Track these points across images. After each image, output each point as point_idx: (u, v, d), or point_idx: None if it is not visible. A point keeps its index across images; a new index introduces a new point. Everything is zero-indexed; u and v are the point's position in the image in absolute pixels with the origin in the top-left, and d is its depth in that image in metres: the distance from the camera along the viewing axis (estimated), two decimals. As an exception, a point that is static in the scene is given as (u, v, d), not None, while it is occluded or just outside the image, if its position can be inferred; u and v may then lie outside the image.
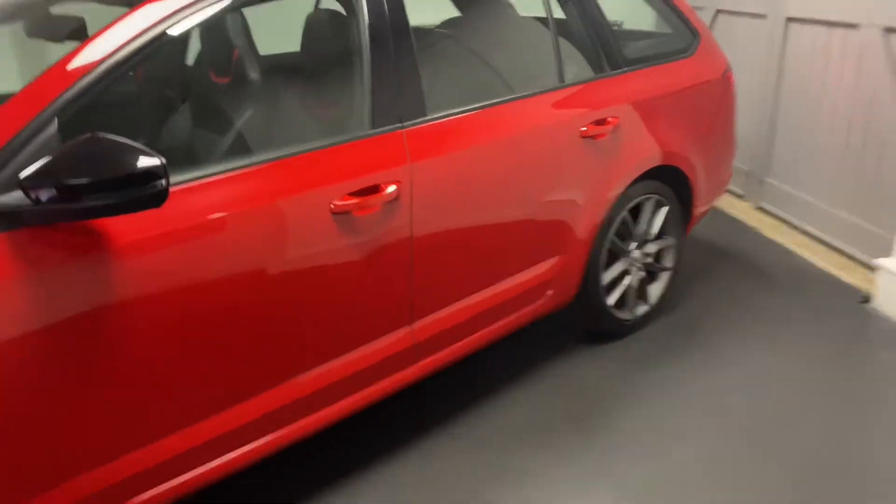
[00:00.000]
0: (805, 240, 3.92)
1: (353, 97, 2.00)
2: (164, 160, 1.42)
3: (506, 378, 2.69)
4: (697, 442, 2.34)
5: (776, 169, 4.28)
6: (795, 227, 4.06)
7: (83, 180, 1.38)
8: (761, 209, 4.40)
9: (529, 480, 2.19)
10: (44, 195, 1.40)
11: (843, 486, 2.14)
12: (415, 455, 2.29)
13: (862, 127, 3.56)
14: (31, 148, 1.47)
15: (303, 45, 2.27)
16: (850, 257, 3.65)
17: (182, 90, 2.09)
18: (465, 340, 2.34)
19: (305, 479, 2.19)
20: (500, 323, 2.44)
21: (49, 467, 1.55)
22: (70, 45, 2.12)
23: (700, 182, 3.03)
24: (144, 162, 1.41)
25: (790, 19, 4.03)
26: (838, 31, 3.67)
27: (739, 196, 4.60)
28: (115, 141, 1.42)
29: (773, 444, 2.32)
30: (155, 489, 1.70)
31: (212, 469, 1.80)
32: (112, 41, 1.60)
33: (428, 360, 2.24)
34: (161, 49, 1.64)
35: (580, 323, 2.93)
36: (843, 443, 2.33)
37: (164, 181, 1.43)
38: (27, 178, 1.40)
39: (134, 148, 1.41)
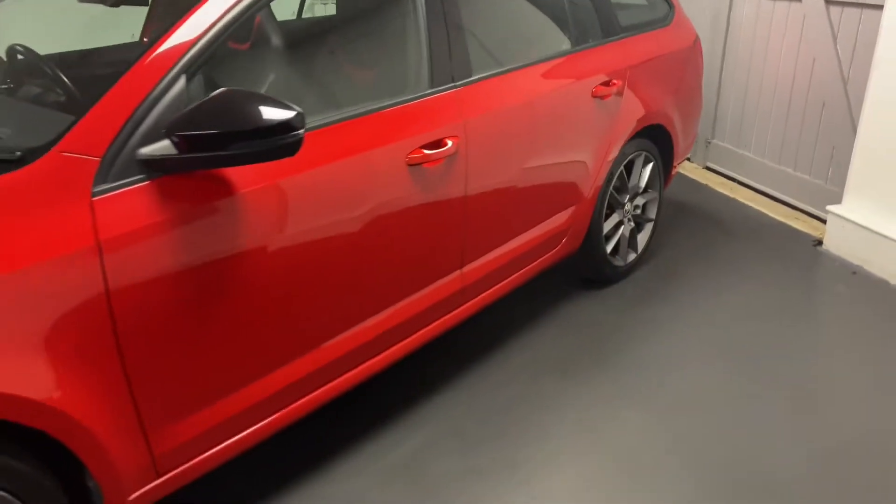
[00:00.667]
0: (753, 195, 4.33)
1: (414, 59, 2.16)
2: (301, 111, 1.56)
3: (523, 323, 2.93)
4: (694, 369, 2.66)
5: (721, 130, 4.68)
6: (742, 184, 4.48)
7: (225, 130, 1.51)
8: (708, 168, 4.80)
9: (561, 403, 2.44)
10: (187, 145, 1.52)
11: (803, 387, 2.51)
12: (459, 392, 2.50)
13: (804, 88, 3.97)
14: (165, 102, 1.57)
15: (370, 13, 2.38)
16: (796, 209, 4.08)
17: (283, 47, 2.18)
18: (502, 283, 2.56)
19: (378, 409, 2.37)
20: (528, 267, 2.68)
21: (213, 383, 1.70)
22: (125, 10, 2.19)
23: (679, 140, 3.35)
24: (283, 114, 1.54)
25: (736, -8, 4.41)
26: (782, 4, 4.06)
27: (686, 158, 4.98)
28: (252, 94, 1.55)
29: (751, 367, 2.67)
30: (295, 403, 1.92)
31: (327, 389, 2.00)
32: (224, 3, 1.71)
33: (472, 301, 2.45)
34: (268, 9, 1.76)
35: (582, 271, 3.20)
36: (808, 355, 2.71)
37: (301, 131, 1.56)
38: (173, 128, 1.51)
39: (271, 100, 1.54)
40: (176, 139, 1.52)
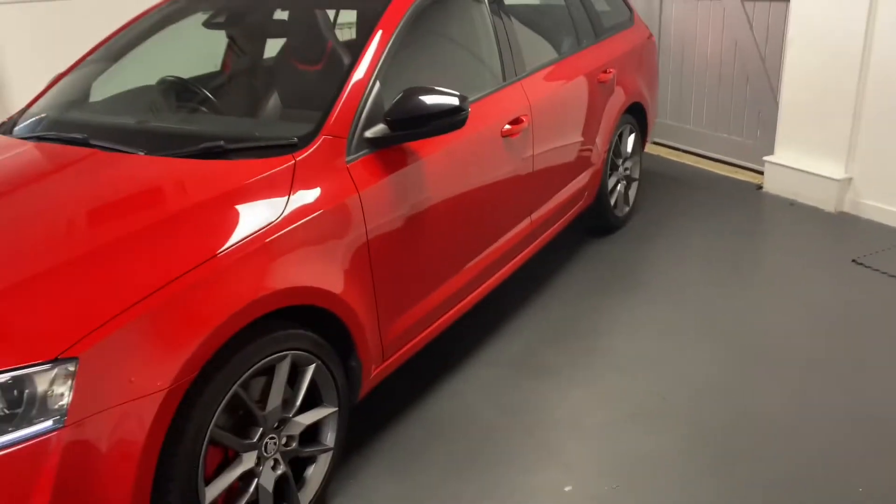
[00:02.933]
0: (697, 159, 5.32)
1: (495, 61, 2.94)
2: (465, 96, 2.30)
3: (559, 265, 3.74)
4: (690, 270, 3.54)
5: (662, 110, 5.66)
6: (686, 152, 5.47)
7: (420, 113, 2.24)
8: (655, 143, 5.78)
9: (610, 306, 3.26)
10: (397, 126, 2.25)
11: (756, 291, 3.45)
12: (510, 330, 3.28)
13: (730, 67, 4.98)
14: (371, 98, 2.30)
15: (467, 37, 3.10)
16: (735, 165, 5.08)
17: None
18: (552, 228, 3.37)
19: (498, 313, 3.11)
20: (566, 216, 3.50)
21: (414, 291, 2.44)
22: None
23: (650, 114, 4.26)
24: (453, 100, 2.28)
25: (665, -4, 5.40)
26: (704, 3, 5.07)
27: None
28: (429, 88, 2.27)
29: (724, 267, 3.58)
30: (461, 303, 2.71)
31: (475, 295, 2.80)
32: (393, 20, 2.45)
33: (537, 241, 3.25)
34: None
35: (592, 221, 4.02)
36: (764, 258, 3.65)
37: (466, 111, 2.31)
38: (387, 115, 2.24)
39: (442, 91, 2.28)
40: (390, 122, 2.24)
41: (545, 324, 3.18)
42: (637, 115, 4.13)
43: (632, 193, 4.23)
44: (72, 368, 1.53)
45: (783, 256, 3.74)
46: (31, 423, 1.51)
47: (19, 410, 1.51)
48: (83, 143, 2.32)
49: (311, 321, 2.06)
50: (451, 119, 2.28)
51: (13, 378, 1.51)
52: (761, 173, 4.69)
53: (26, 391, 1.52)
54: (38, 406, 1.51)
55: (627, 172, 4.14)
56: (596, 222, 4.04)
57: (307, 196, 2.06)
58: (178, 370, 1.65)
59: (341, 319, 2.11)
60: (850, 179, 4.16)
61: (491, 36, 2.96)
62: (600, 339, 3.04)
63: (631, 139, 4.10)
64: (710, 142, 5.27)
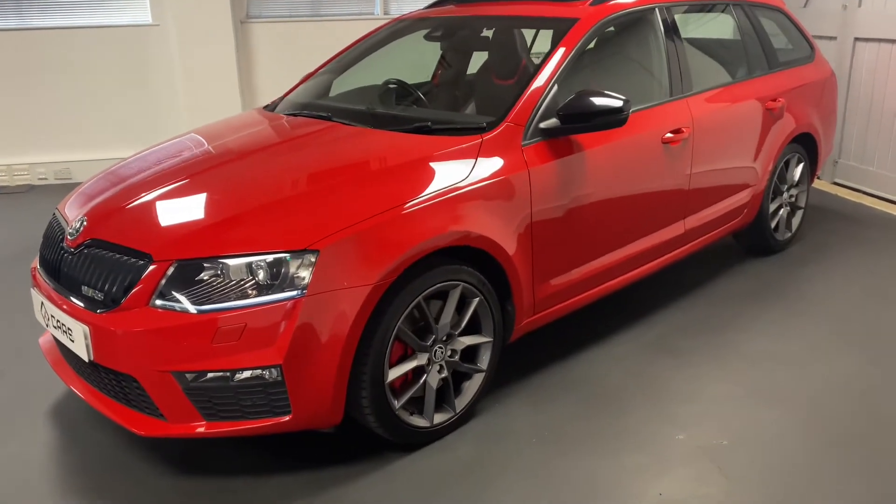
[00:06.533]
0: (878, 201, 5.29)
1: (665, 79, 3.38)
2: (628, 99, 2.76)
3: (712, 273, 4.02)
4: (845, 301, 3.67)
5: (847, 151, 5.66)
6: (868, 194, 5.44)
7: (587, 111, 2.73)
8: (836, 183, 5.79)
9: (746, 320, 3.51)
10: (567, 120, 2.76)
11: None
12: (653, 318, 3.61)
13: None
14: (548, 97, 2.83)
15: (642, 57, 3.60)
16: (917, 207, 5.01)
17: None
18: (705, 237, 3.69)
19: (636, 308, 3.51)
20: (720, 229, 3.79)
21: (565, 261, 2.91)
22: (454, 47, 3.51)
23: (822, 146, 4.42)
24: (617, 102, 2.74)
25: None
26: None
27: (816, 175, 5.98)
28: (597, 91, 2.76)
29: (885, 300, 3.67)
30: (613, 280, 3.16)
31: (620, 280, 3.21)
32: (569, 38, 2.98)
33: (688, 245, 3.59)
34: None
35: (751, 241, 4.23)
36: None
37: (627, 112, 2.77)
38: (560, 110, 2.76)
39: (608, 94, 2.75)
40: (561, 116, 2.76)
41: (685, 317, 3.51)
42: (807, 146, 4.32)
43: (795, 221, 4.40)
44: (313, 259, 2.19)
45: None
46: (283, 290, 2.18)
47: (276, 282, 2.19)
48: (326, 119, 3.07)
49: (480, 266, 2.61)
50: (613, 117, 2.75)
51: (275, 259, 2.20)
52: (943, 218, 4.63)
53: (283, 269, 2.20)
54: (289, 280, 2.18)
55: (792, 200, 4.33)
56: (755, 242, 4.26)
57: (488, 165, 2.63)
58: (381, 275, 2.26)
59: (502, 267, 2.64)
60: None
61: (662, 56, 3.39)
62: (734, 336, 3.32)
63: (799, 168, 4.29)
64: (894, 185, 5.23)
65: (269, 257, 2.20)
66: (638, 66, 3.44)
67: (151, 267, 2.25)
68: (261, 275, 2.20)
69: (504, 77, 3.35)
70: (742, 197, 3.86)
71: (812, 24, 5.82)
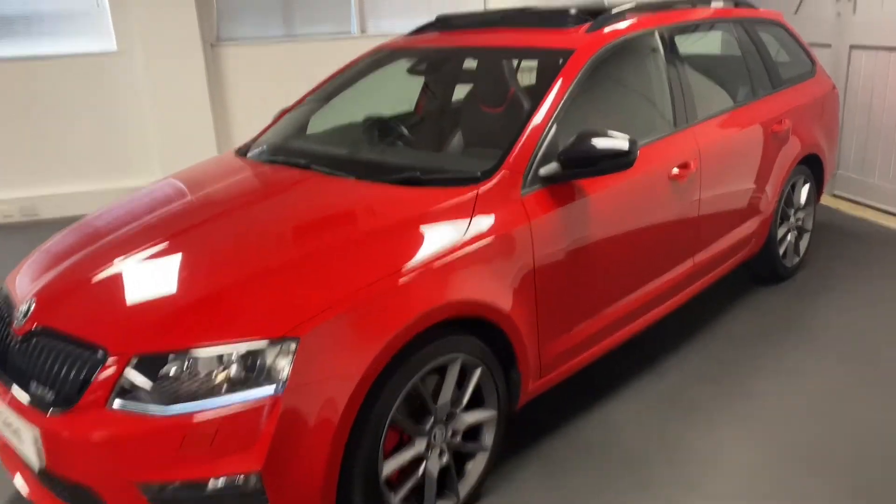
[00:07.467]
0: (880, 214, 5.09)
1: (668, 110, 3.13)
2: (634, 139, 2.52)
3: (722, 309, 3.79)
4: (858, 325, 3.45)
5: (845, 162, 5.47)
6: (869, 207, 5.24)
7: (591, 154, 2.48)
8: (835, 195, 5.59)
9: (764, 364, 3.27)
10: (570, 164, 2.50)
11: None
12: (667, 365, 3.37)
13: None
14: (546, 141, 2.57)
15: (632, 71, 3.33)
16: (924, 221, 4.82)
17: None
18: (716, 271, 3.45)
19: (648, 354, 3.26)
20: (730, 261, 3.56)
21: (571, 317, 2.66)
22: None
23: (827, 165, 4.20)
24: (623, 143, 2.50)
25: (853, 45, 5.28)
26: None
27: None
28: (599, 131, 2.50)
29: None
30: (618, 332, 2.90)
31: (630, 328, 2.96)
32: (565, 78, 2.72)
33: (699, 283, 3.35)
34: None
35: (759, 269, 4.00)
36: None
37: (634, 153, 2.52)
38: (560, 155, 2.50)
39: (615, 135, 2.51)
40: (562, 161, 2.50)
41: (699, 362, 3.27)
42: (812, 167, 4.10)
43: (803, 244, 4.18)
44: (293, 347, 1.92)
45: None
46: (259, 385, 1.90)
47: (252, 375, 1.91)
48: (305, 167, 2.79)
49: (480, 333, 2.35)
50: (619, 161, 2.50)
51: (249, 350, 1.92)
52: (953, 233, 4.43)
53: (258, 361, 1.92)
54: (266, 373, 1.91)
55: (799, 223, 4.11)
56: (763, 270, 4.03)
57: (485, 222, 2.36)
58: (370, 360, 1.99)
59: (505, 333, 2.38)
60: None
61: (665, 84, 3.15)
62: (756, 384, 3.08)
63: (805, 190, 4.07)
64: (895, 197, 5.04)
65: (243, 347, 1.93)
66: (640, 96, 3.20)
67: (108, 361, 1.96)
68: (234, 369, 1.92)
69: (497, 115, 3.09)
70: (750, 226, 3.63)
71: (805, 32, 5.62)
